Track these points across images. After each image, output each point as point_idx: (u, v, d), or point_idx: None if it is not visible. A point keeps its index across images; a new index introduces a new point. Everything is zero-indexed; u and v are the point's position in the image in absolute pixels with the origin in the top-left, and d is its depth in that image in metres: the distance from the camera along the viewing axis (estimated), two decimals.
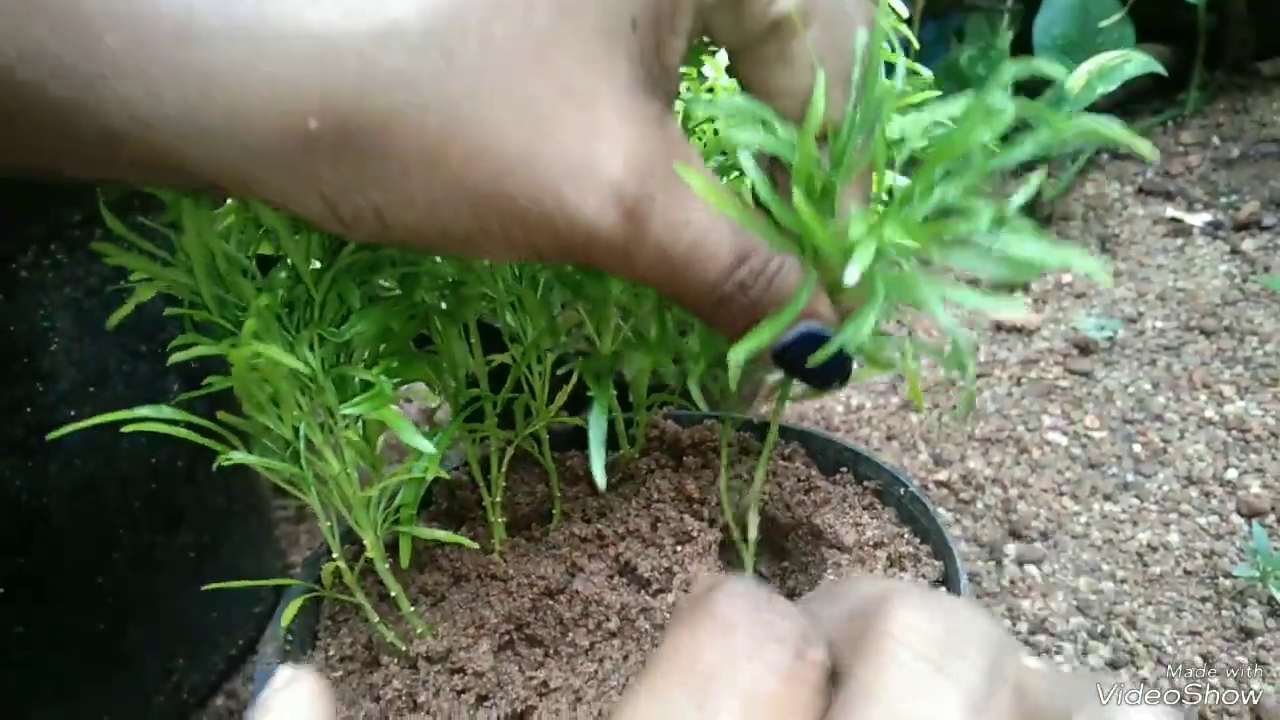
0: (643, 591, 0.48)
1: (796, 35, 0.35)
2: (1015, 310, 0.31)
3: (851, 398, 1.09)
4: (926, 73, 0.66)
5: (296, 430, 0.38)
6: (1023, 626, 0.78)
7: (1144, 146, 0.30)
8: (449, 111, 0.28)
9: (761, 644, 0.24)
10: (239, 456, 0.38)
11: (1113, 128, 0.31)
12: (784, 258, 0.36)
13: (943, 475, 0.95)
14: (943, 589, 0.48)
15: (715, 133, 0.49)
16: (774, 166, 0.37)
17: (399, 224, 0.31)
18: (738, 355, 0.32)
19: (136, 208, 0.52)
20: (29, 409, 0.62)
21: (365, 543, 0.43)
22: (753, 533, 0.47)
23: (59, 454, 0.64)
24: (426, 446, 0.37)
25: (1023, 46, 1.49)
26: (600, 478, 0.39)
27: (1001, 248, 0.31)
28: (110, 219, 0.37)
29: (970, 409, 0.46)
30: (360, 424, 0.41)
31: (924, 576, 0.48)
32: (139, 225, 0.39)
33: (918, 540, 0.51)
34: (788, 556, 0.54)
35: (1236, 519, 0.86)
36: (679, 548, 0.50)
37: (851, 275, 0.30)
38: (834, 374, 0.40)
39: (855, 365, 0.41)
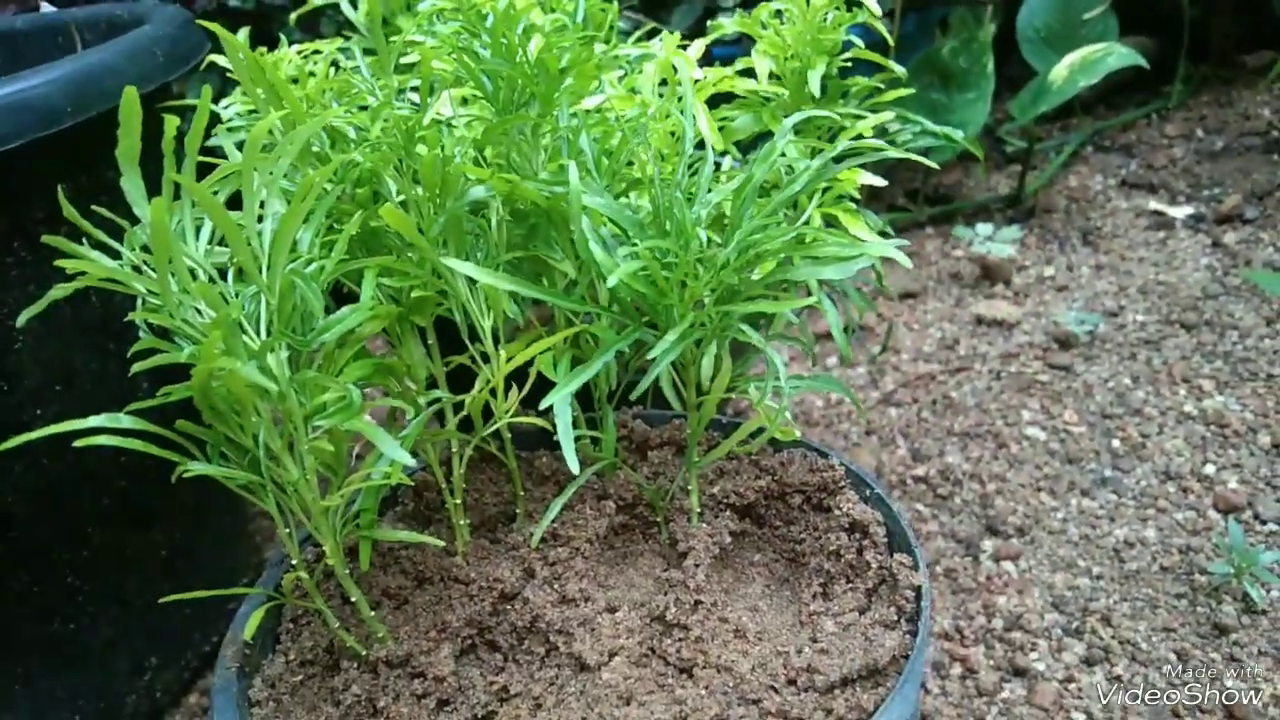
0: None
1: None
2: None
3: (831, 393, 1.08)
4: (899, 69, 0.66)
5: (256, 438, 0.38)
6: (998, 623, 0.78)
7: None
8: None
9: None
10: (197, 467, 0.38)
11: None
12: None
13: (920, 470, 0.95)
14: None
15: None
16: None
17: None
18: None
19: (92, 196, 0.51)
20: None
21: (325, 549, 0.42)
22: (695, 504, 0.50)
23: (25, 453, 0.63)
24: (405, 458, 0.36)
25: (1007, 38, 1.49)
26: (571, 460, 0.40)
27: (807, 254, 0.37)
28: (68, 210, 0.36)
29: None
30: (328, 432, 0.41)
31: (885, 568, 0.48)
32: (95, 218, 0.38)
33: (884, 529, 0.51)
34: (763, 523, 0.54)
35: (1213, 514, 0.85)
36: (628, 546, 0.52)
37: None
38: None
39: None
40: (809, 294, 0.55)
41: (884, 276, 0.67)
